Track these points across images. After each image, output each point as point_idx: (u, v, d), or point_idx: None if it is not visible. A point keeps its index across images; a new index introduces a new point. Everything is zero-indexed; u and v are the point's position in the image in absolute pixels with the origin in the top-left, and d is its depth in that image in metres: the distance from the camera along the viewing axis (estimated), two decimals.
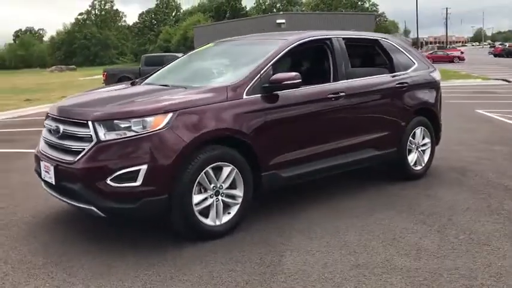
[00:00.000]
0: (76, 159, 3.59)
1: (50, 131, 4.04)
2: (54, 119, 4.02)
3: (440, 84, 5.94)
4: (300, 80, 4.12)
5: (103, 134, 3.54)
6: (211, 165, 3.76)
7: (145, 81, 4.87)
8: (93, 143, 3.55)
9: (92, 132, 3.56)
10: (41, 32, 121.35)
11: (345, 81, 4.74)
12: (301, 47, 4.70)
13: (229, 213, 3.94)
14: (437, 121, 5.76)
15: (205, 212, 3.81)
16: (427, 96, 5.62)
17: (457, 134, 8.44)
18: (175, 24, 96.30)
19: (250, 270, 3.31)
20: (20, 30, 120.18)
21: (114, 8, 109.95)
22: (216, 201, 3.84)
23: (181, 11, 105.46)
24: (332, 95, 4.57)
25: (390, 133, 5.15)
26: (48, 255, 3.63)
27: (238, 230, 3.99)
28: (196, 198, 3.72)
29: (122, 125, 3.55)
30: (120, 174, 3.47)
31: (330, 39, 4.82)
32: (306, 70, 5.17)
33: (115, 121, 3.57)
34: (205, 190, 3.79)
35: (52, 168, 3.79)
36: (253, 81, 4.07)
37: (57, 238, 3.99)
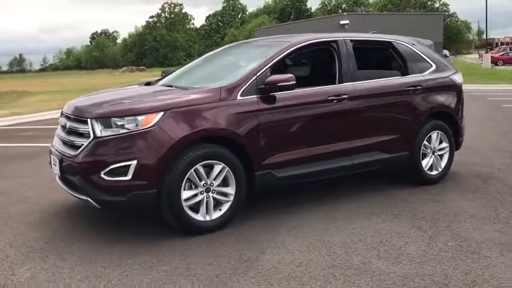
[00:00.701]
0: (76, 154, 3.89)
1: (61, 127, 4.38)
2: (65, 116, 4.35)
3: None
4: (294, 82, 4.19)
5: (99, 131, 3.81)
6: (201, 163, 3.92)
7: (159, 83, 5.12)
8: (90, 139, 3.82)
9: (90, 129, 3.84)
10: (115, 34, 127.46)
11: (350, 83, 4.74)
12: (305, 50, 4.76)
13: (220, 209, 4.08)
14: (456, 125, 5.59)
15: (196, 208, 3.98)
16: (445, 99, 5.47)
17: (497, 139, 8.11)
18: (240, 26, 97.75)
19: (226, 265, 3.44)
20: (96, 32, 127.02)
21: (183, 11, 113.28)
22: (207, 198, 4.00)
23: (247, 13, 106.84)
24: (334, 97, 4.59)
25: (400, 136, 5.07)
26: (51, 241, 3.95)
27: (230, 226, 4.12)
28: (186, 194, 3.89)
29: (117, 123, 3.80)
30: (112, 169, 3.72)
31: (336, 41, 4.83)
32: (310, 72, 5.20)
33: (112, 119, 3.82)
34: (196, 186, 3.95)
35: (57, 161, 4.12)
36: (248, 83, 4.19)
37: (64, 226, 4.31)
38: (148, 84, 5.22)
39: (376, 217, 4.37)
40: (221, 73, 4.75)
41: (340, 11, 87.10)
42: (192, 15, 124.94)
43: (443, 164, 5.50)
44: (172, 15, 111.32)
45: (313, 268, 3.36)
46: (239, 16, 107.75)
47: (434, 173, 5.43)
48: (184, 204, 3.88)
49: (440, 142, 5.46)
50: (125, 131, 3.77)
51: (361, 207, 4.63)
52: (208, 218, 4.01)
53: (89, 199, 3.84)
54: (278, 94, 4.29)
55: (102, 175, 3.73)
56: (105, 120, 3.83)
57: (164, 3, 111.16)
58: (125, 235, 4.04)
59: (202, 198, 3.98)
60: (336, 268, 3.36)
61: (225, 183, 4.09)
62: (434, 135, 5.38)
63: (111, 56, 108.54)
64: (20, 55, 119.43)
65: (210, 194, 4.01)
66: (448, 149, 5.52)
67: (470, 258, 3.48)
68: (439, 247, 3.70)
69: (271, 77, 4.22)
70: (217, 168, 4.00)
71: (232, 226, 4.15)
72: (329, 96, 4.57)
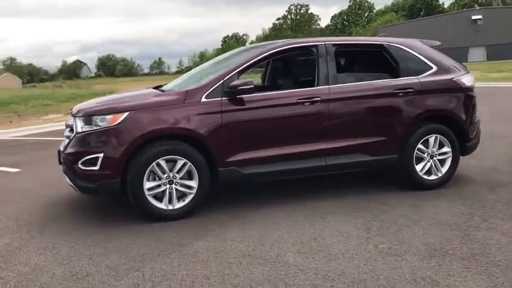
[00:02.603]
0: (65, 145, 4.66)
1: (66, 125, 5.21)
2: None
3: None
4: (252, 86, 4.51)
5: (80, 127, 4.53)
6: (164, 158, 4.43)
7: (163, 87, 5.73)
8: (74, 134, 4.56)
9: (74, 125, 4.58)
10: (244, 37, 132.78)
11: (325, 86, 4.88)
12: (280, 55, 5.03)
13: (184, 200, 4.56)
14: (462, 129, 5.35)
15: (161, 197, 4.51)
16: (446, 102, 5.28)
17: None
18: (367, 24, 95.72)
19: (159, 247, 3.90)
20: (228, 36, 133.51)
21: (309, 11, 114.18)
22: (170, 189, 4.50)
23: (374, 11, 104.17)
24: (304, 100, 4.78)
25: (387, 139, 5.05)
26: (50, 218, 4.77)
27: (196, 216, 4.58)
28: (149, 184, 4.43)
29: (94, 121, 4.48)
30: (86, 159, 4.40)
31: (315, 46, 5.00)
32: (289, 76, 5.39)
33: (91, 117, 4.52)
34: (160, 178, 4.48)
35: (57, 153, 4.94)
36: (214, 87, 4.60)
37: (71, 209, 5.13)
38: (157, 88, 5.85)
39: (334, 216, 4.49)
40: (205, 78, 5.20)
41: (476, 6, 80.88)
42: (318, 16, 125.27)
43: (444, 169, 5.32)
44: (298, 17, 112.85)
45: (228, 255, 3.68)
46: (365, 15, 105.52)
47: (432, 177, 5.28)
48: (147, 193, 4.43)
49: (441, 146, 5.29)
50: (98, 128, 4.43)
51: (328, 207, 4.75)
52: (170, 207, 4.51)
53: (72, 184, 4.59)
54: (246, 97, 4.63)
55: (79, 165, 4.43)
56: (86, 118, 4.53)
57: (291, 5, 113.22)
58: (109, 217, 4.70)
59: (165, 189, 4.49)
60: (247, 257, 3.64)
61: (189, 176, 4.55)
62: (431, 139, 5.23)
63: None
64: (159, 58, 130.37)
65: (173, 186, 4.50)
66: (450, 153, 5.32)
67: (385, 260, 3.52)
68: (366, 248, 3.75)
69: (234, 81, 4.58)
70: (179, 163, 4.48)
71: (198, 215, 4.60)
72: (298, 99, 4.77)
